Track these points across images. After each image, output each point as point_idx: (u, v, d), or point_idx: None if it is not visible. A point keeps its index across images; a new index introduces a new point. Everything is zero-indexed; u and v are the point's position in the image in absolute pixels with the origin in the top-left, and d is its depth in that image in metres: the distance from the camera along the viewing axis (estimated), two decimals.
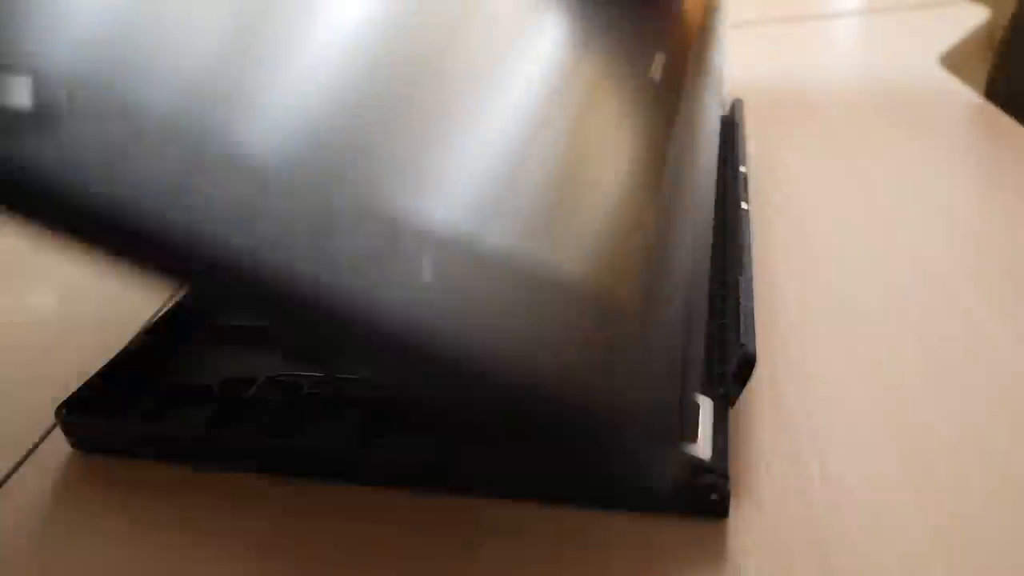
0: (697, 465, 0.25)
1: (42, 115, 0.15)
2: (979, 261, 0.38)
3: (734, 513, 0.26)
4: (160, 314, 0.39)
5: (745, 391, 0.28)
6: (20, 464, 0.32)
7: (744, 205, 0.39)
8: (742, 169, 0.43)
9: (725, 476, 0.25)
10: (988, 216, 0.42)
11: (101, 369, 0.34)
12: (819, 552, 0.24)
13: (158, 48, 0.17)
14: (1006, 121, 0.53)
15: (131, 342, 0.36)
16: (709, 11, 0.54)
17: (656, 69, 0.39)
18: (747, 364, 0.27)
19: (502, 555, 0.25)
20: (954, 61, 0.68)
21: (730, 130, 0.50)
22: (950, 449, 0.28)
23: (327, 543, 0.27)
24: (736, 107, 0.53)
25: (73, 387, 0.33)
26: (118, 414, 0.33)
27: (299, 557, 0.26)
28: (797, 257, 0.40)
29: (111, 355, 0.35)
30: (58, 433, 0.33)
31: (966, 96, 0.58)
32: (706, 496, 0.26)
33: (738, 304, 0.31)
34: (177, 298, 0.40)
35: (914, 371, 0.31)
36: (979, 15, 0.77)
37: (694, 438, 0.26)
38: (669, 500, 0.26)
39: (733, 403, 0.28)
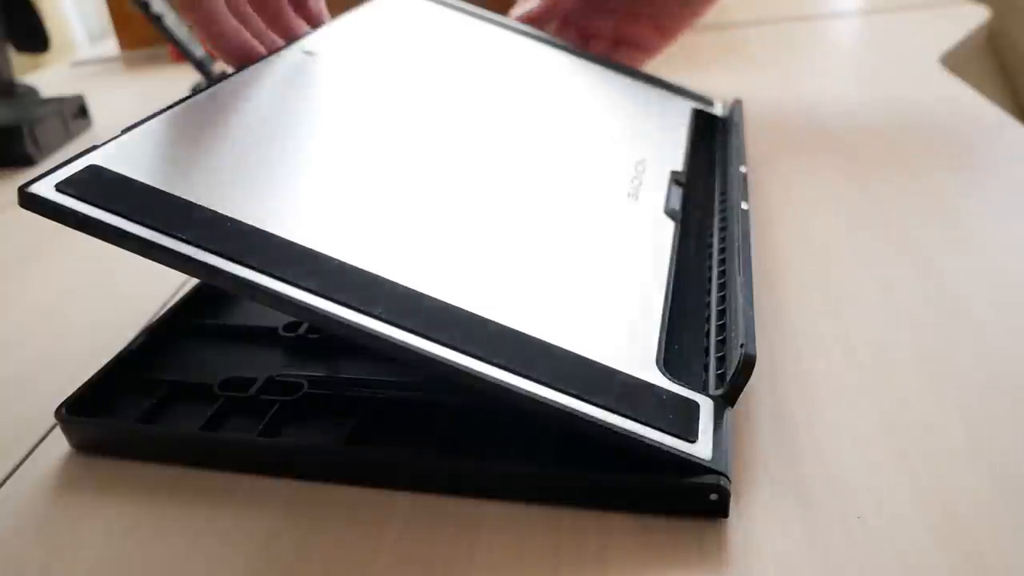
0: (697, 465, 0.25)
1: None
2: (977, 257, 0.38)
3: (734, 513, 0.26)
4: (160, 314, 0.39)
5: (745, 391, 0.28)
6: (20, 464, 0.32)
7: (744, 205, 0.39)
8: (742, 169, 0.43)
9: (725, 476, 0.25)
10: (987, 214, 0.42)
11: (101, 369, 0.34)
12: (819, 552, 0.24)
13: None
14: (1006, 120, 0.53)
15: (131, 342, 0.36)
16: None
17: None
18: (747, 366, 0.27)
19: (502, 555, 0.25)
20: (954, 61, 0.68)
21: (730, 130, 0.50)
22: (949, 447, 0.27)
23: (327, 543, 0.27)
24: (736, 108, 0.53)
25: (73, 387, 0.33)
26: (118, 414, 0.33)
27: (298, 557, 0.26)
28: (797, 256, 0.40)
29: (111, 355, 0.35)
30: (58, 433, 0.33)
31: (966, 96, 0.58)
32: (706, 496, 0.25)
33: (738, 304, 0.31)
34: (177, 298, 0.40)
35: (913, 371, 0.31)
36: (979, 15, 0.77)
37: (694, 438, 0.26)
38: (669, 500, 0.26)
39: (733, 403, 0.28)
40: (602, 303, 0.31)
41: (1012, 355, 0.32)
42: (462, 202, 0.34)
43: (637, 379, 0.28)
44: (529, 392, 0.26)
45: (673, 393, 0.27)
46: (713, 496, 0.25)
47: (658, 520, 0.26)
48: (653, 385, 0.28)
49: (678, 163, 0.44)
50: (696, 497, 0.26)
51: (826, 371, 0.32)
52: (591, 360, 0.28)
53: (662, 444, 0.26)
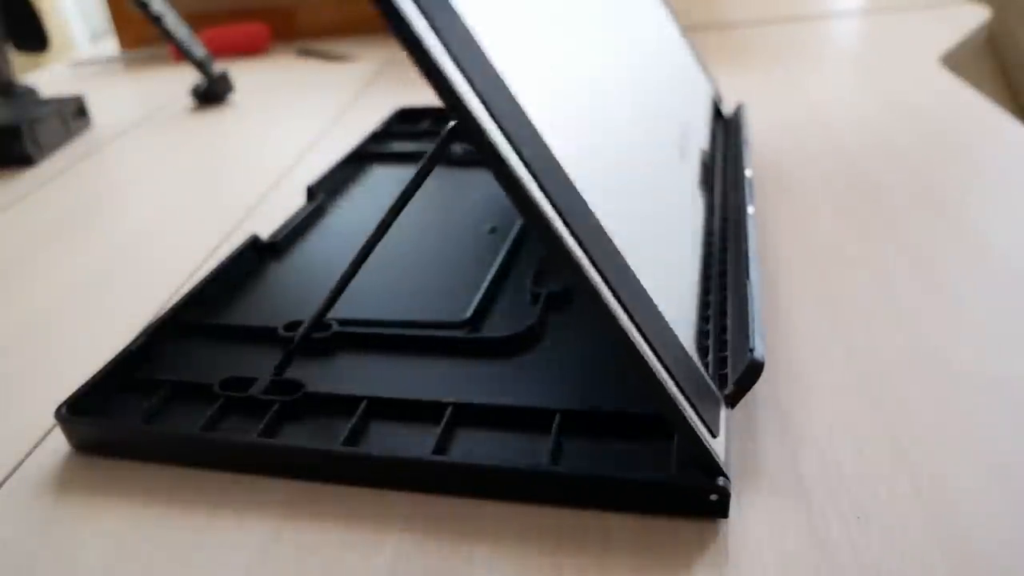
0: (712, 462, 0.25)
1: None
2: (977, 257, 0.38)
3: (734, 513, 0.26)
4: (160, 314, 0.39)
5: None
6: (20, 464, 0.32)
7: (751, 209, 0.38)
8: (747, 173, 0.43)
9: (726, 477, 0.25)
10: (987, 213, 0.42)
11: (101, 369, 0.34)
12: (819, 552, 0.24)
13: None
14: (1006, 120, 0.53)
15: (131, 342, 0.36)
16: None
17: None
18: (755, 369, 0.27)
19: (502, 555, 0.25)
20: (954, 61, 0.68)
21: (735, 132, 0.50)
22: (950, 447, 0.27)
23: (327, 543, 0.27)
24: (740, 110, 0.53)
25: (73, 387, 0.33)
26: (118, 414, 0.33)
27: (298, 557, 0.26)
28: (797, 257, 0.40)
29: (111, 355, 0.35)
30: (58, 433, 0.33)
31: (966, 96, 0.58)
32: (706, 497, 0.25)
33: (743, 306, 0.30)
34: (177, 298, 0.40)
35: (913, 371, 0.31)
36: (979, 15, 0.77)
37: (717, 433, 0.26)
38: (669, 500, 0.26)
39: (734, 404, 0.28)
40: (666, 259, 0.29)
41: (1012, 355, 0.32)
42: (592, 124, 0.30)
43: (688, 355, 0.27)
44: (627, 330, 0.24)
45: (707, 382, 0.27)
46: (713, 497, 0.25)
47: (658, 520, 0.26)
48: (697, 367, 0.27)
49: (704, 142, 0.43)
50: (696, 497, 0.26)
51: (826, 371, 0.32)
52: (663, 316, 0.26)
53: (700, 431, 0.25)
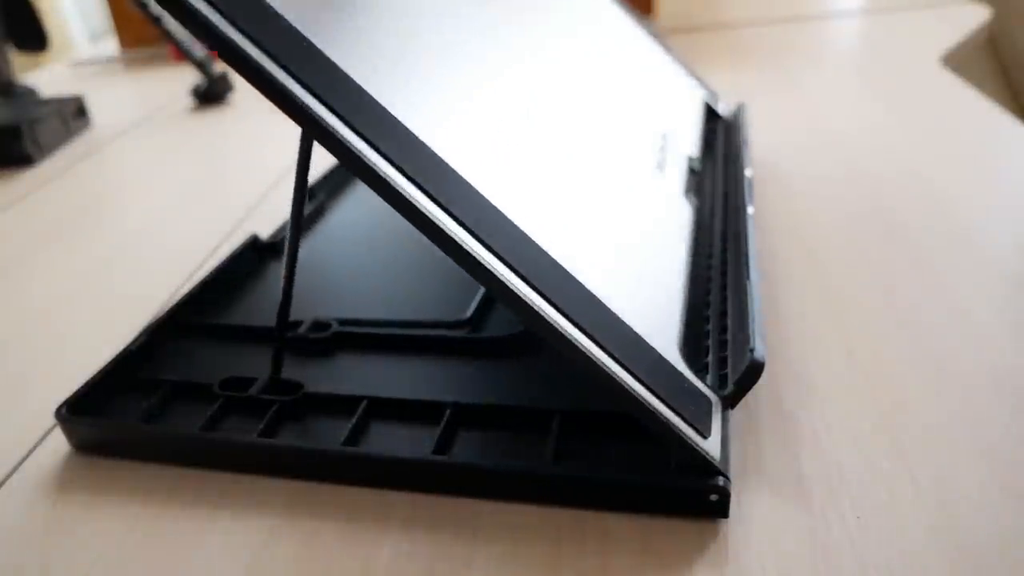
0: (707, 462, 0.25)
1: None
2: (977, 257, 0.38)
3: (734, 513, 0.26)
4: (160, 314, 0.39)
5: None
6: (20, 464, 0.32)
7: (751, 209, 0.38)
8: (747, 173, 0.43)
9: (726, 477, 0.25)
10: (986, 214, 0.42)
11: (101, 369, 0.34)
12: (819, 552, 0.24)
13: None
14: (1006, 120, 0.53)
15: (131, 342, 0.36)
16: None
17: None
18: (756, 369, 0.27)
19: (502, 555, 0.25)
20: (954, 61, 0.68)
21: (734, 132, 0.50)
22: (949, 447, 0.27)
23: (327, 543, 0.27)
24: (740, 111, 0.53)
25: (73, 387, 0.33)
26: (118, 414, 0.33)
27: (298, 557, 0.26)
28: (797, 257, 0.40)
29: (111, 355, 0.35)
30: (58, 433, 0.33)
31: (966, 96, 0.58)
32: (706, 497, 0.25)
33: (743, 306, 0.30)
34: (177, 298, 0.40)
35: (913, 371, 0.31)
36: (979, 15, 0.77)
37: (708, 434, 0.26)
38: (669, 501, 0.26)
39: (734, 404, 0.28)
40: (637, 270, 0.30)
41: (1012, 355, 0.32)
42: (526, 141, 0.31)
43: (666, 360, 0.27)
44: (581, 344, 0.25)
45: (693, 384, 0.27)
46: (713, 497, 0.25)
47: (658, 520, 0.26)
48: (678, 371, 0.27)
49: (693, 149, 0.44)
50: (696, 498, 0.26)
51: (826, 371, 0.32)
52: (629, 326, 0.27)
53: (684, 433, 0.25)
